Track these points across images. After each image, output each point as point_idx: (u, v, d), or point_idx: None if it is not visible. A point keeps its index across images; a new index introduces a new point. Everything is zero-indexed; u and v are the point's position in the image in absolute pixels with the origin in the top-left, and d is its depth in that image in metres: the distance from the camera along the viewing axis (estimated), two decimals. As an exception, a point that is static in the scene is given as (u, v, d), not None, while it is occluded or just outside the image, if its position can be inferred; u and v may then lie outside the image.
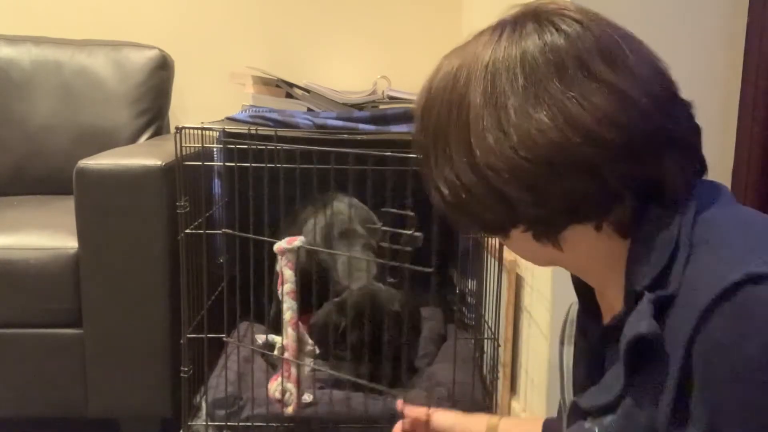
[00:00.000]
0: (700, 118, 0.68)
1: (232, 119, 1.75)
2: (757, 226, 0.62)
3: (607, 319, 0.74)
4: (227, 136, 1.46)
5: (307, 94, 1.90)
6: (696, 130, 0.68)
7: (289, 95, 1.90)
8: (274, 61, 2.23)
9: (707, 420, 0.55)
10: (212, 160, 1.56)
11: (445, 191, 0.68)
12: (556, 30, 0.65)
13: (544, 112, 0.62)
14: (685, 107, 0.67)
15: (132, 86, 2.08)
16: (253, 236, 1.30)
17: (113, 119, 2.06)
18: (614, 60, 0.63)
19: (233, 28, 2.31)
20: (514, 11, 0.69)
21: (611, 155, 0.62)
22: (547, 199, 0.64)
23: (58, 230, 1.51)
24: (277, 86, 1.91)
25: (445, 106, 0.67)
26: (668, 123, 0.64)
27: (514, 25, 0.67)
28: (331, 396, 1.41)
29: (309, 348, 1.37)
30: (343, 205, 1.67)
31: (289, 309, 1.31)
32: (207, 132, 1.43)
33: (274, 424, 1.38)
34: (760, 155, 1.29)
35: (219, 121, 1.75)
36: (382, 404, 1.38)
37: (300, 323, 1.34)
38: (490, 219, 0.68)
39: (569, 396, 0.84)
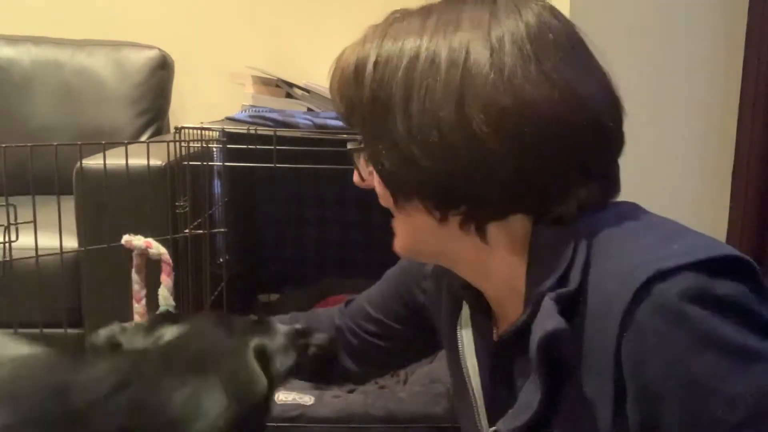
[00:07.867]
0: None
1: (232, 119, 1.75)
2: (656, 229, 0.61)
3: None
4: (227, 136, 1.46)
5: (307, 94, 1.90)
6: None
7: (289, 95, 1.90)
8: (274, 61, 2.23)
9: (649, 418, 0.54)
10: (212, 160, 1.56)
11: (414, 150, 0.65)
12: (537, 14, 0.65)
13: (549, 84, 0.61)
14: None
15: (132, 86, 2.09)
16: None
17: (113, 119, 2.06)
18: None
19: (233, 28, 2.31)
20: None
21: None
22: (521, 173, 0.61)
23: (58, 230, 1.51)
24: (277, 86, 1.91)
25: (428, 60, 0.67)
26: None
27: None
28: (330, 397, 1.41)
29: None
30: None
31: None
32: (207, 132, 1.43)
33: (273, 424, 1.38)
34: (760, 155, 1.29)
35: (219, 121, 1.75)
36: (381, 405, 1.39)
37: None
38: (441, 187, 0.65)
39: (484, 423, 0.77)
